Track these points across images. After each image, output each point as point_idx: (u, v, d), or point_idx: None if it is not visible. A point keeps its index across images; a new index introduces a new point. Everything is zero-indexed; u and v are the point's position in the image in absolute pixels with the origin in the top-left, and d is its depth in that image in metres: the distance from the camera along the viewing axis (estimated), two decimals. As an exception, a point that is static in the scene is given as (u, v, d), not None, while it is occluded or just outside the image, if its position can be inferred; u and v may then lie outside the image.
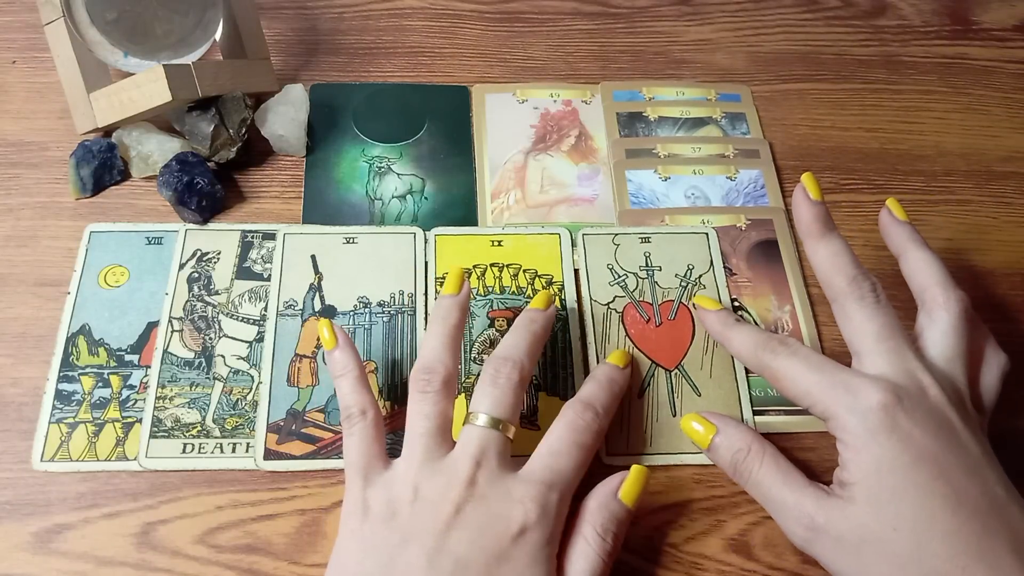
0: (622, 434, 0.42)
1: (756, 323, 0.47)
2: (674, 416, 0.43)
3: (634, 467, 0.37)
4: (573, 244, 0.49)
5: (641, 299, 0.47)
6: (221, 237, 0.48)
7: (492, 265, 0.48)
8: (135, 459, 0.40)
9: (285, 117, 0.51)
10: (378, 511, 0.34)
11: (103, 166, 0.49)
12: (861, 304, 0.38)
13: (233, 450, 0.41)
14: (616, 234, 0.49)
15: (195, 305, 0.45)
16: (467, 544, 0.33)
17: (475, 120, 0.55)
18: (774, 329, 0.47)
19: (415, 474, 0.35)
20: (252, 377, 0.43)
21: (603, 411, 0.39)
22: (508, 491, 0.34)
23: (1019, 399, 0.44)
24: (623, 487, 0.36)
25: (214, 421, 0.42)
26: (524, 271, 0.47)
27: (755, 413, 0.43)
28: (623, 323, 0.46)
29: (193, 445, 0.41)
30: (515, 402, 0.37)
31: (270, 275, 0.46)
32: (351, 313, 0.45)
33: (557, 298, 0.47)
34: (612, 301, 0.47)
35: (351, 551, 0.34)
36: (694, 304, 0.46)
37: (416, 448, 0.36)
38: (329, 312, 0.45)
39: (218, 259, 0.47)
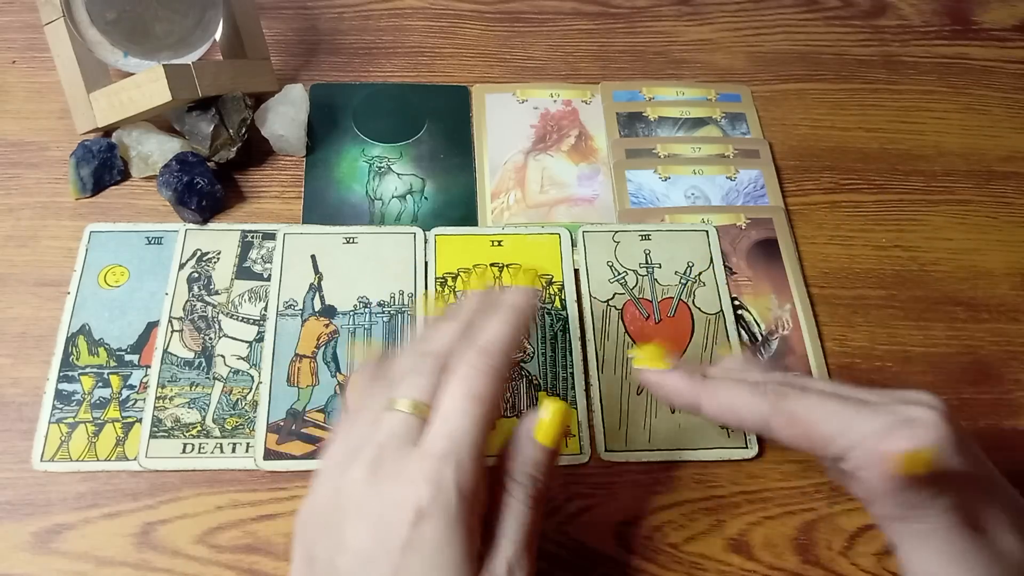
0: (621, 431, 0.42)
1: (756, 323, 0.47)
2: (673, 413, 0.43)
3: (547, 401, 0.32)
4: (573, 244, 0.49)
5: (641, 296, 0.47)
6: (221, 237, 0.48)
7: (492, 265, 0.48)
8: (135, 459, 0.40)
9: (285, 117, 0.51)
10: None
11: (103, 166, 0.49)
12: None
13: (233, 450, 0.41)
14: (616, 231, 0.49)
15: (195, 305, 0.45)
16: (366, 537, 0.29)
17: (475, 120, 0.55)
18: (774, 328, 0.47)
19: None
20: (252, 377, 0.43)
21: (500, 348, 0.32)
22: (400, 472, 0.30)
23: (1021, 400, 0.44)
24: (537, 427, 0.32)
25: (214, 421, 0.42)
26: (524, 271, 0.47)
27: (755, 413, 0.43)
28: (623, 320, 0.46)
29: (193, 445, 0.41)
30: (428, 384, 0.32)
31: (270, 275, 0.46)
32: (351, 313, 0.45)
33: (557, 299, 0.47)
34: (612, 298, 0.47)
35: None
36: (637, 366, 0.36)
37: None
38: (329, 312, 0.45)
39: (218, 259, 0.47)
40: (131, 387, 0.42)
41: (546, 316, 0.46)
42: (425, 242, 0.48)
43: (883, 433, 0.30)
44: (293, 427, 0.42)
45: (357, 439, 0.31)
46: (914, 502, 0.30)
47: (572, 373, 0.44)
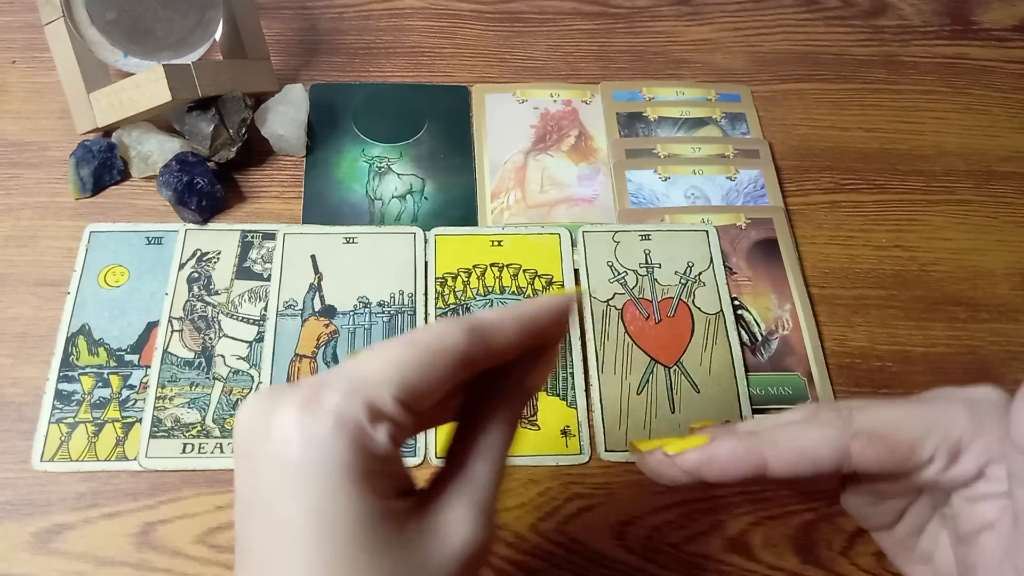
0: (620, 431, 0.42)
1: (756, 322, 0.47)
2: (673, 413, 0.43)
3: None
4: (573, 244, 0.49)
5: (641, 296, 0.47)
6: (221, 237, 0.48)
7: (492, 265, 0.48)
8: (135, 459, 0.40)
9: (285, 117, 0.51)
10: None
11: (103, 166, 0.49)
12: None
13: (233, 450, 0.41)
14: (616, 231, 0.49)
15: (195, 305, 0.45)
16: None
17: (475, 120, 0.55)
18: (774, 328, 0.47)
19: None
20: (252, 377, 0.43)
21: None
22: (281, 394, 0.24)
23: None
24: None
25: (214, 421, 0.42)
26: (524, 271, 0.47)
27: (755, 411, 0.43)
28: (622, 320, 0.46)
29: (193, 445, 0.41)
30: None
31: (270, 275, 0.46)
32: (351, 313, 0.45)
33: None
34: (612, 298, 0.47)
35: None
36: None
37: None
38: (329, 312, 0.45)
39: (218, 259, 0.47)
40: (131, 387, 0.42)
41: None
42: (425, 242, 0.48)
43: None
44: (293, 427, 0.42)
45: None
46: None
47: (572, 373, 0.44)
